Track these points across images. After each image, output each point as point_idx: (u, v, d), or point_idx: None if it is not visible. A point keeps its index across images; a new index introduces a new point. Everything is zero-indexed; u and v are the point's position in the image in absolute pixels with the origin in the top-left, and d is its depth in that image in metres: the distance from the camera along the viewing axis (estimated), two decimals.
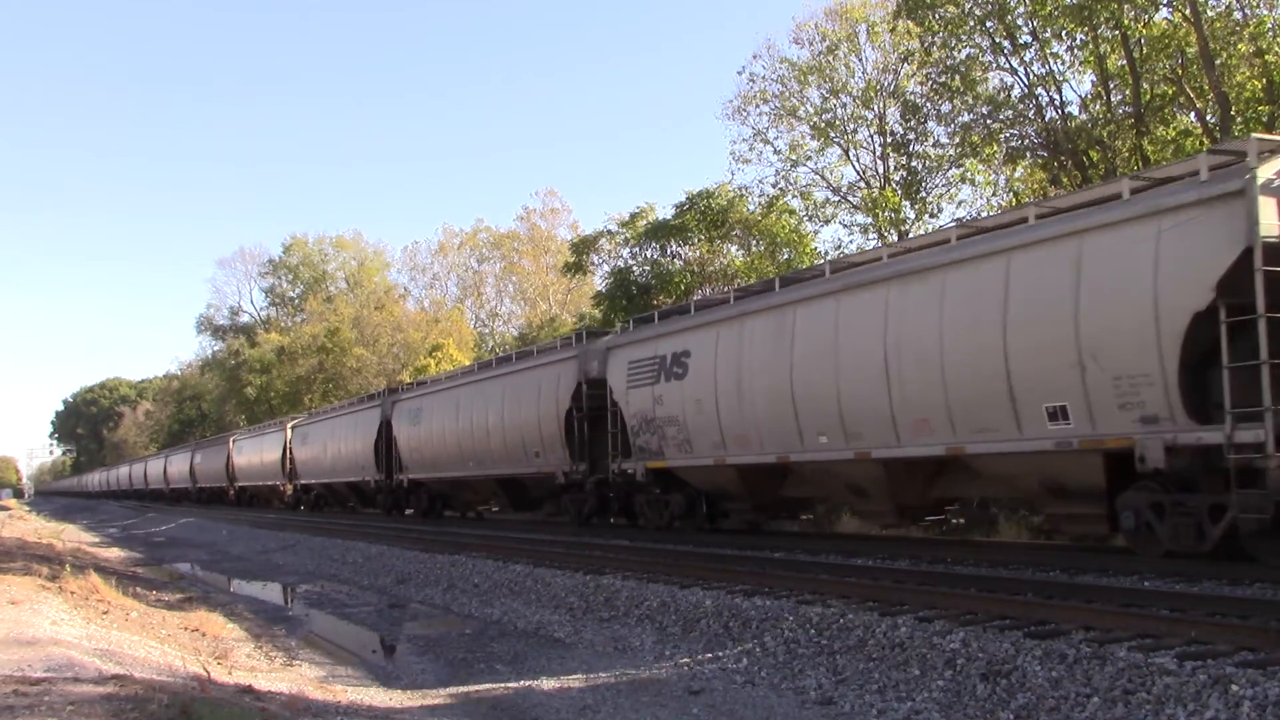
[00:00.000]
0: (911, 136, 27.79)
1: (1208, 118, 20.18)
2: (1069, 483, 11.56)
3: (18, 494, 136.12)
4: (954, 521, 17.47)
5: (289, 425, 39.45)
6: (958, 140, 25.00)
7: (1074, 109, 23.29)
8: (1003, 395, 11.62)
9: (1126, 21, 20.13)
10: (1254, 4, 19.81)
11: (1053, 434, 11.25)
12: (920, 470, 13.64)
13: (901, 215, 27.83)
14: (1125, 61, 21.23)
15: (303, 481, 37.83)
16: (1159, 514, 10.74)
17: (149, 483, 73.28)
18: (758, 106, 30.35)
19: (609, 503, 20.97)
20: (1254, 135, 10.59)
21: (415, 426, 26.41)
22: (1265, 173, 9.73)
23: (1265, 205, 9.58)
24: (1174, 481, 10.54)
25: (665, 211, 34.08)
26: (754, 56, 40.00)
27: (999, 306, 11.72)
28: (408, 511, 28.79)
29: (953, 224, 14.68)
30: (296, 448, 39.65)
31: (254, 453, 45.33)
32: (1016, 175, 25.71)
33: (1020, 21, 22.63)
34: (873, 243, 27.52)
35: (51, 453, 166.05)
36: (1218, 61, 19.31)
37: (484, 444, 24.57)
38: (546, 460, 21.89)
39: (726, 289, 20.03)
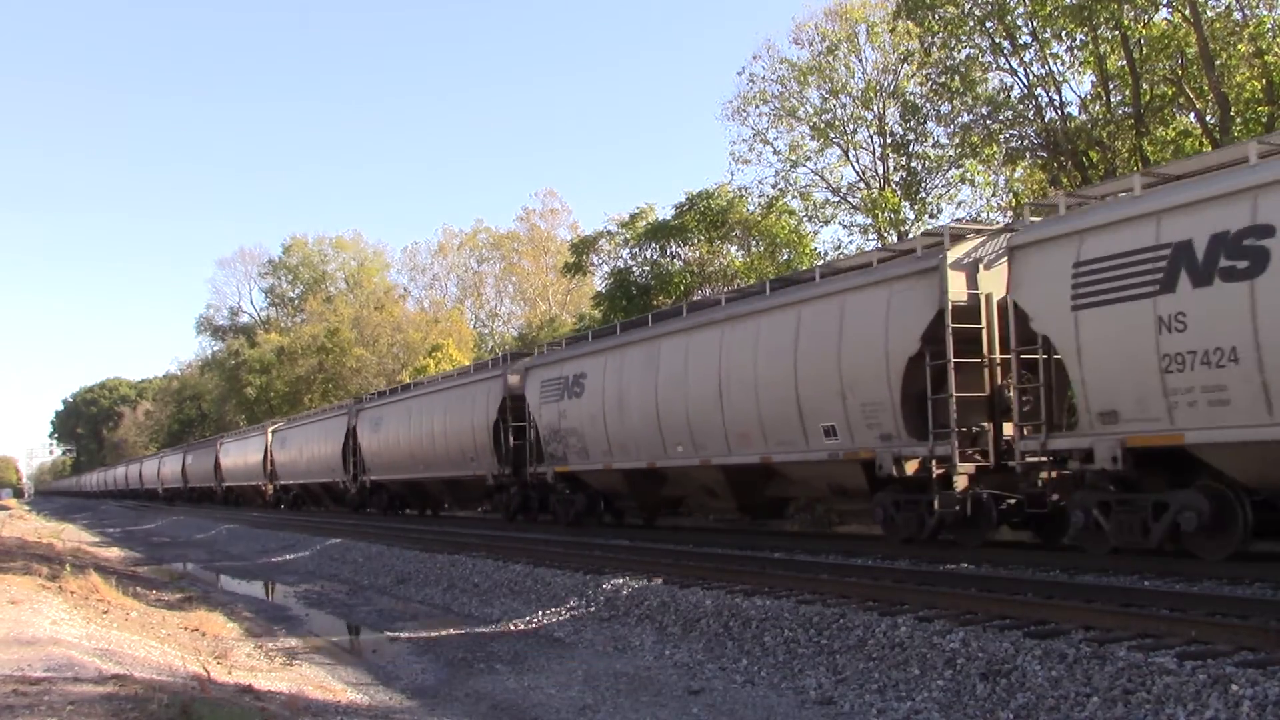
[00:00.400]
0: (911, 137, 27.82)
1: (1207, 118, 20.20)
2: (845, 485, 14.76)
3: (18, 494, 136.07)
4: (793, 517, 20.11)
5: (269, 430, 41.87)
6: (957, 141, 25.02)
7: (1074, 109, 23.35)
8: (795, 416, 14.71)
9: (1126, 22, 20.15)
10: (1254, 4, 19.84)
11: (827, 447, 14.35)
12: (750, 474, 16.45)
13: (901, 216, 27.85)
14: (1125, 62, 21.24)
15: (282, 482, 40.51)
16: (898, 509, 13.71)
17: (144, 483, 73.81)
18: (757, 107, 30.41)
19: (530, 501, 24.22)
20: (948, 224, 14.19)
21: (376, 433, 29.32)
22: (955, 254, 12.83)
23: (954, 278, 12.64)
24: (907, 485, 13.52)
25: (665, 212, 34.17)
26: (754, 57, 40.05)
27: (793, 346, 14.80)
28: (369, 510, 31.42)
29: (766, 281, 18.09)
30: (276, 451, 42.91)
31: (239, 455, 48.69)
32: (1016, 176, 25.74)
33: (1020, 22, 22.65)
34: (873, 243, 27.56)
35: (51, 453, 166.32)
36: (1217, 62, 19.33)
37: (430, 449, 28.29)
38: (479, 464, 25.30)
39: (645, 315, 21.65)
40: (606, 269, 37.66)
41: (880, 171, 29.56)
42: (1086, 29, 21.23)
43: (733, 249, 32.95)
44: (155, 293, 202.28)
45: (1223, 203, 10.05)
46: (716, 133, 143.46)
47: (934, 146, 27.31)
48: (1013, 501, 12.67)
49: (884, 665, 8.03)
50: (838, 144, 29.80)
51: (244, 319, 79.19)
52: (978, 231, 13.49)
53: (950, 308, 12.58)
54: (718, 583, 11.47)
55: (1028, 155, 23.98)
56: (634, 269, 34.47)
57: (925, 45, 24.76)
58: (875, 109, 29.47)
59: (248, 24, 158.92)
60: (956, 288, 12.70)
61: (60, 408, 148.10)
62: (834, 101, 29.67)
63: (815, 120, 29.74)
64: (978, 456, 12.78)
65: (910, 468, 13.23)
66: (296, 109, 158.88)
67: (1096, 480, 11.35)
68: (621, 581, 12.35)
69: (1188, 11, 19.37)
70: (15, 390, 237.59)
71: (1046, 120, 22.74)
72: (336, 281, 72.65)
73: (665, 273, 32.85)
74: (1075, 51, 22.59)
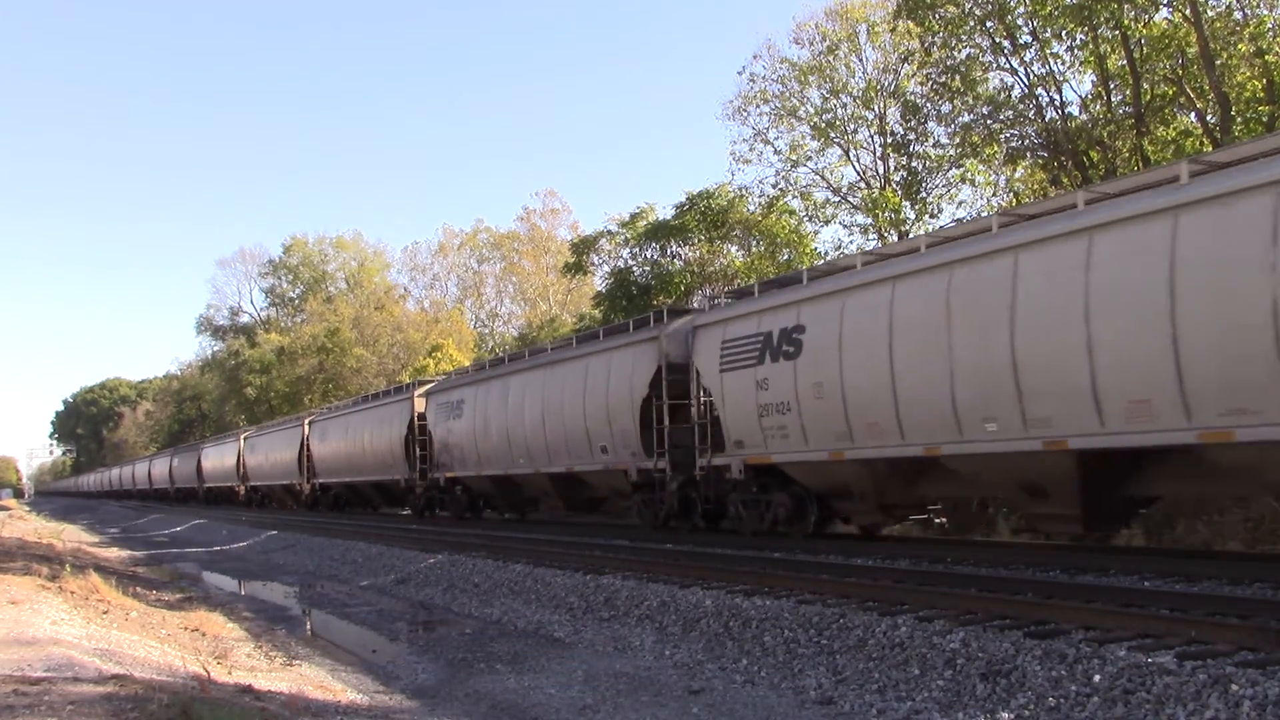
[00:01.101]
0: (912, 137, 27.77)
1: (1208, 118, 20.18)
2: (617, 487, 20.17)
3: (18, 494, 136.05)
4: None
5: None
6: (958, 140, 24.99)
7: (1074, 109, 23.30)
8: (584, 438, 20.08)
9: (1126, 21, 20.13)
10: (1254, 4, 19.80)
11: (602, 460, 19.71)
12: (565, 481, 21.61)
13: (901, 216, 27.83)
14: (1125, 61, 21.22)
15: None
16: (646, 506, 19.12)
17: (136, 483, 74.65)
18: (758, 107, 30.35)
19: (433, 500, 28.26)
20: (666, 305, 19.77)
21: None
22: (670, 326, 18.17)
23: (669, 343, 17.81)
24: (649, 487, 18.69)
25: (665, 212, 34.13)
26: (754, 57, 39.95)
27: (582, 388, 20.17)
28: (442, 513, 28.54)
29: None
30: (247, 455, 45.27)
31: (218, 459, 51.43)
32: (1017, 176, 25.72)
33: (1020, 21, 22.62)
34: (873, 243, 27.54)
35: (51, 453, 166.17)
36: (1218, 62, 19.31)
37: (362, 458, 32.14)
38: (396, 470, 29.09)
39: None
40: (607, 269, 37.66)
41: (881, 171, 29.54)
42: (1087, 29, 21.21)
43: (733, 249, 32.95)
44: (155, 293, 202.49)
45: (785, 309, 15.08)
46: (717, 133, 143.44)
47: (934, 146, 27.29)
48: (704, 499, 17.43)
49: (884, 665, 8.03)
50: (838, 144, 29.78)
51: (244, 319, 79.20)
52: (691, 311, 19.35)
53: (665, 365, 17.83)
54: (718, 583, 11.47)
55: (1028, 155, 23.95)
56: (634, 269, 34.46)
57: (926, 45, 24.74)
58: (876, 109, 29.45)
59: (248, 25, 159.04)
60: (670, 350, 17.84)
61: (60, 408, 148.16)
62: (834, 101, 29.64)
63: (816, 120, 29.72)
64: (685, 469, 17.50)
65: (643, 474, 18.51)
66: (297, 109, 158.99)
67: (737, 486, 16.43)
68: (621, 581, 12.36)
69: (1188, 11, 19.35)
70: (15, 390, 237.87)
71: (1047, 120, 22.72)
72: (336, 281, 72.63)
73: (665, 273, 32.84)
74: (1075, 51, 22.56)
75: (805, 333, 14.54)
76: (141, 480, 74.35)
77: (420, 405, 28.24)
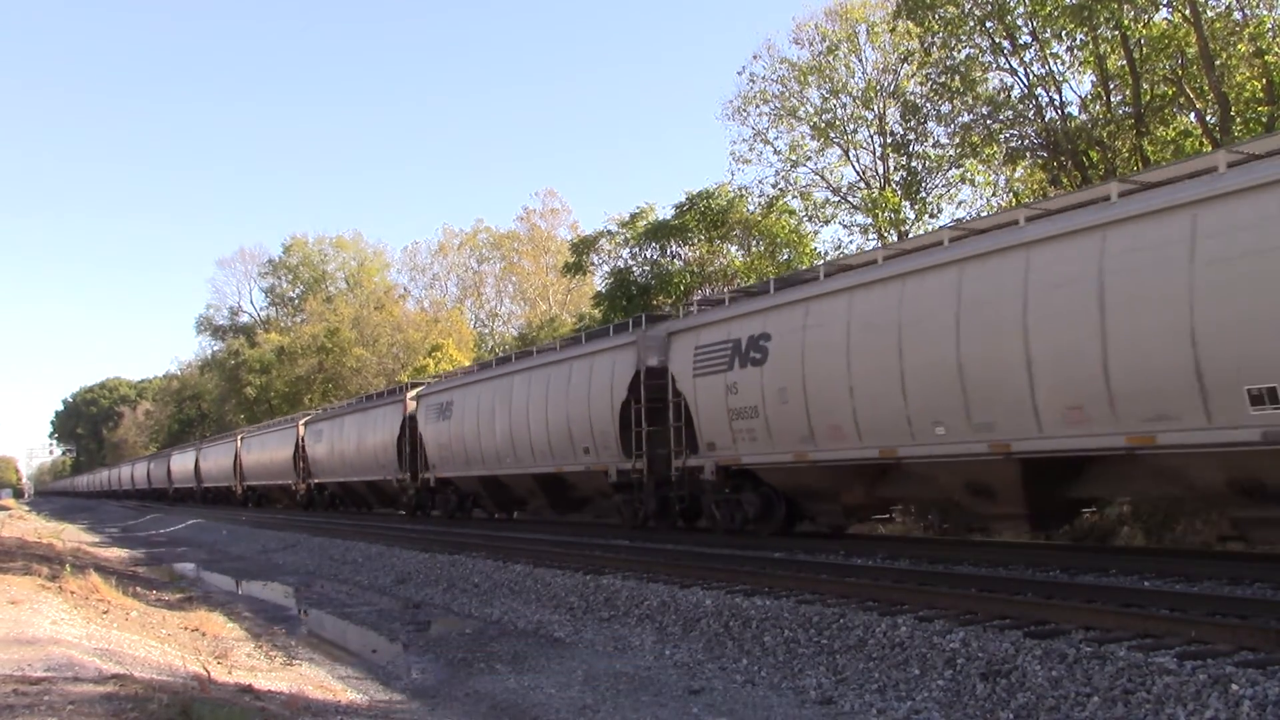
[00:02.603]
0: (911, 137, 27.77)
1: (1208, 118, 20.18)
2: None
3: (18, 494, 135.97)
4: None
5: (301, 422, 39.88)
6: (958, 141, 24.99)
7: (1074, 109, 23.31)
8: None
9: (1126, 22, 20.13)
10: (1254, 4, 19.81)
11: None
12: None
13: (901, 216, 27.83)
14: (1125, 62, 21.23)
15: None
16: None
17: (135, 484, 74.68)
18: (758, 107, 30.35)
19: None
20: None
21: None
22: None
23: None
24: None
25: (665, 212, 34.10)
26: (754, 57, 39.91)
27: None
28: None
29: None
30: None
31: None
32: (1016, 176, 25.72)
33: (1020, 22, 22.63)
34: (873, 243, 27.53)
35: (51, 453, 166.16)
36: (1218, 62, 19.31)
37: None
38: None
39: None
40: (606, 269, 37.64)
41: (880, 171, 29.54)
42: (1086, 29, 21.21)
43: (733, 249, 32.94)
44: (155, 293, 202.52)
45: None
46: (717, 133, 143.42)
47: (934, 146, 27.28)
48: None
49: (884, 665, 8.03)
50: (838, 144, 29.78)
51: (244, 319, 79.13)
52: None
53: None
54: (718, 583, 11.47)
55: (1028, 155, 23.95)
56: (634, 269, 34.44)
57: (925, 45, 24.74)
58: (875, 109, 29.45)
59: (248, 25, 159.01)
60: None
61: (60, 408, 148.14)
62: (834, 101, 29.64)
63: (815, 120, 29.72)
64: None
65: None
66: (297, 109, 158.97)
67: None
68: (621, 581, 12.36)
69: (1188, 11, 19.35)
70: (15, 390, 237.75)
71: (1047, 120, 22.72)
72: (336, 281, 72.58)
73: (665, 272, 32.83)
74: (1075, 51, 22.57)
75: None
76: (140, 480, 74.75)
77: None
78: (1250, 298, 9.30)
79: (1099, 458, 11.20)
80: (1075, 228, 10.97)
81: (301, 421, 39.82)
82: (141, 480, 75.18)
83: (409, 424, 28.62)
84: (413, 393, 29.08)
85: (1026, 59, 22.97)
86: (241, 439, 48.13)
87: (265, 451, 43.40)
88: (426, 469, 27.67)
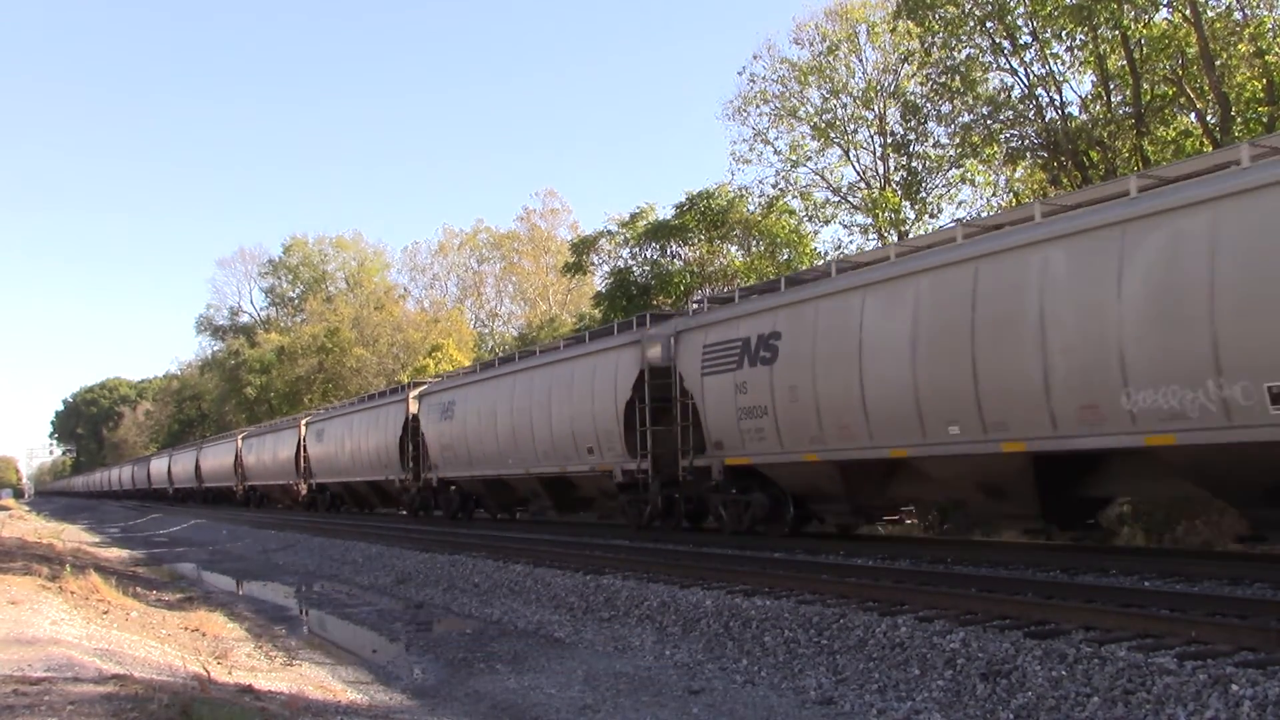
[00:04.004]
0: (911, 137, 27.76)
1: (1208, 118, 20.18)
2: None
3: (18, 494, 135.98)
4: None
5: (303, 422, 39.93)
6: (958, 141, 24.98)
7: (1074, 109, 23.31)
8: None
9: (1126, 22, 20.13)
10: (1254, 4, 19.81)
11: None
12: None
13: (901, 216, 27.82)
14: (1125, 62, 21.23)
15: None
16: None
17: (135, 484, 74.82)
18: (758, 107, 30.35)
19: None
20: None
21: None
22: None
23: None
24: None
25: (665, 212, 34.09)
26: (754, 57, 39.90)
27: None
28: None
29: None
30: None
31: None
32: (1016, 176, 25.71)
33: (1020, 22, 22.63)
34: (873, 243, 27.53)
35: (51, 453, 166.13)
36: (1218, 62, 19.31)
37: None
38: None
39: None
40: (606, 269, 37.63)
41: (881, 171, 29.54)
42: (1086, 29, 21.21)
43: (733, 249, 32.93)
44: (155, 293, 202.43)
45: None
46: (717, 133, 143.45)
47: (934, 146, 27.27)
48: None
49: (884, 665, 8.03)
50: (838, 144, 29.78)
51: (244, 319, 79.11)
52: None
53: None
54: (718, 583, 11.47)
55: (1028, 155, 23.95)
56: (634, 269, 34.43)
57: (925, 45, 24.73)
58: (875, 109, 29.44)
59: (248, 24, 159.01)
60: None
61: (60, 408, 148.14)
62: (834, 101, 29.63)
63: (816, 120, 29.71)
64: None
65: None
66: (297, 109, 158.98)
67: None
68: (621, 581, 12.35)
69: (1188, 11, 19.35)
70: (15, 390, 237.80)
71: (1047, 120, 22.72)
72: (336, 281, 72.56)
73: (665, 272, 32.82)
74: (1075, 51, 22.56)
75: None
76: (140, 480, 74.91)
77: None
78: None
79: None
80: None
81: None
82: (141, 480, 75.25)
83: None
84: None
85: (1027, 59, 22.97)
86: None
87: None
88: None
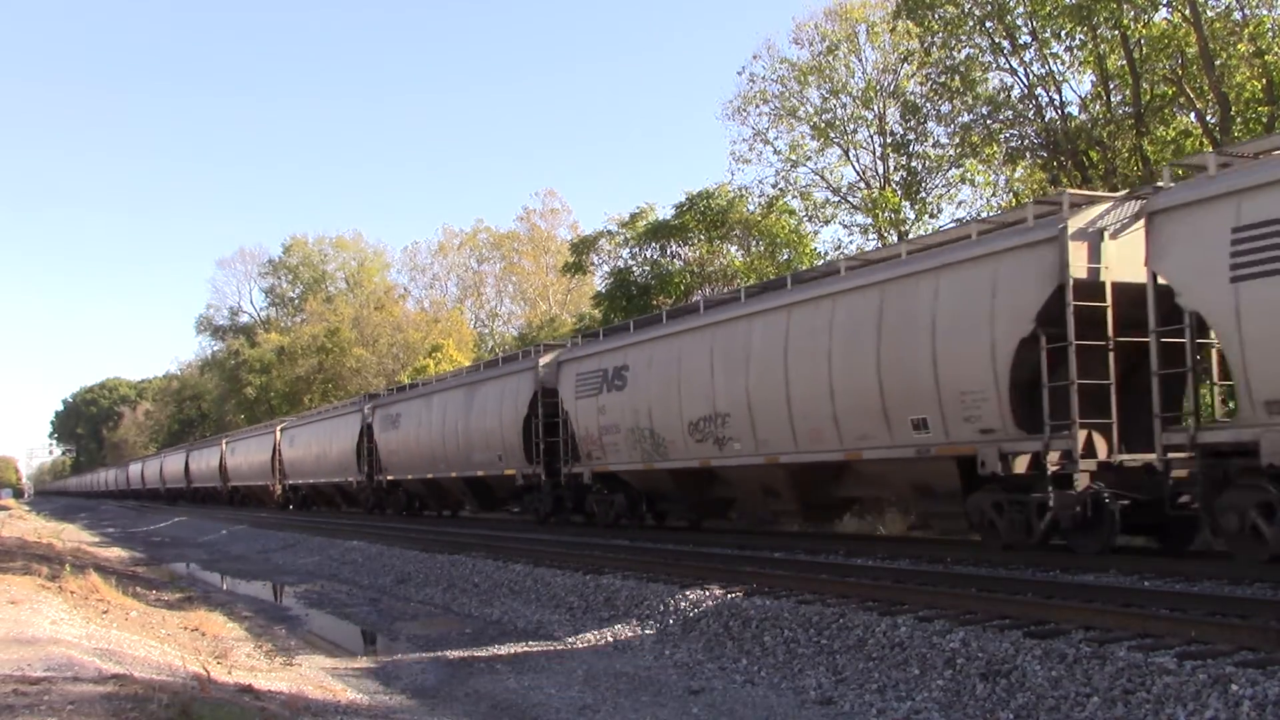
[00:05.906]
0: (911, 137, 27.76)
1: (1208, 118, 20.19)
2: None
3: (18, 494, 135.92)
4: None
5: (278, 428, 43.29)
6: (958, 140, 25.00)
7: (1074, 109, 23.33)
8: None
9: (1126, 21, 20.13)
10: (1254, 4, 19.82)
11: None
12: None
13: (901, 215, 27.83)
14: (1125, 61, 21.24)
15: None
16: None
17: (130, 484, 75.60)
18: (758, 107, 30.39)
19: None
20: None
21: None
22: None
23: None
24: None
25: (665, 212, 34.10)
26: (754, 57, 39.97)
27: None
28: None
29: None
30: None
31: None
32: (1016, 175, 25.72)
33: (1020, 21, 22.64)
34: (873, 243, 27.54)
35: (51, 453, 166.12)
36: (1217, 62, 19.32)
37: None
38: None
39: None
40: (606, 269, 37.67)
41: (880, 171, 29.56)
42: (1086, 29, 21.22)
43: (733, 249, 32.94)
44: (155, 293, 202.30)
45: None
46: (716, 132, 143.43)
47: (934, 146, 27.29)
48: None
49: (884, 665, 8.03)
50: (838, 144, 29.80)
51: (244, 319, 79.17)
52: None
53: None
54: (718, 583, 11.46)
55: (1028, 155, 23.97)
56: (634, 269, 34.44)
57: (925, 45, 24.75)
58: (875, 109, 29.46)
59: (248, 23, 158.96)
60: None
61: (60, 408, 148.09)
62: (834, 101, 29.66)
63: (815, 120, 29.73)
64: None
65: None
66: (297, 108, 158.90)
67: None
68: (621, 581, 12.35)
69: (1188, 11, 19.36)
70: (15, 390, 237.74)
71: (1046, 120, 22.73)
72: (336, 281, 72.59)
73: (665, 272, 32.83)
74: (1075, 51, 22.58)
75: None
76: (135, 481, 75.97)
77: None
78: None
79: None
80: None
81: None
82: (136, 480, 75.57)
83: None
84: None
85: (1026, 59, 23.00)
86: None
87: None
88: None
